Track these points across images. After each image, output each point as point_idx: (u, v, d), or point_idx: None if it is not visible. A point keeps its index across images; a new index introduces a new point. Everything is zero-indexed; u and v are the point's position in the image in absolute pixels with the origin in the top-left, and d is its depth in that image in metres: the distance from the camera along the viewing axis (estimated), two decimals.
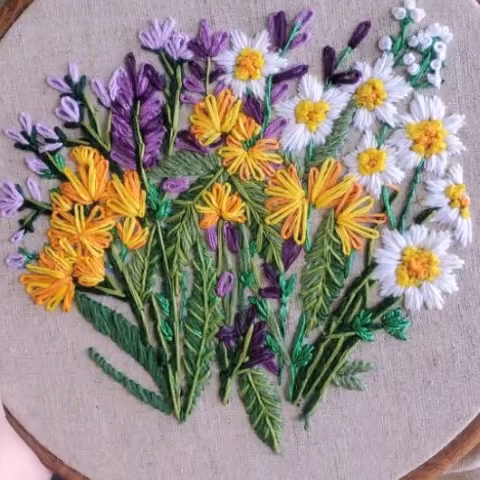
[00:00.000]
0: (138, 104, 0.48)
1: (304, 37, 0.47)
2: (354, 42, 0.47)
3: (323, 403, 0.49)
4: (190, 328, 0.49)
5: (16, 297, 0.49)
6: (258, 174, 0.48)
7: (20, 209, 0.49)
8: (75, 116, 0.48)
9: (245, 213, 0.48)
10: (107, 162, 0.48)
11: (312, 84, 0.47)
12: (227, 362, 0.49)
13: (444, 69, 0.46)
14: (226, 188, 0.48)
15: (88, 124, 0.48)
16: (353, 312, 0.48)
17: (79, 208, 0.48)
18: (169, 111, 0.48)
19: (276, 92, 0.47)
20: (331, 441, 0.49)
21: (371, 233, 0.48)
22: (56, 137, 0.48)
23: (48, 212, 0.49)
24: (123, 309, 0.49)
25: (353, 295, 0.48)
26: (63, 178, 0.48)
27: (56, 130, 0.48)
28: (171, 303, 0.49)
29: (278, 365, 0.49)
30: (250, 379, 0.49)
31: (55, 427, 0.50)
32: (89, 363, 0.50)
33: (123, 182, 0.48)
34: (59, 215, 0.49)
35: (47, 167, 0.48)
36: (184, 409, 0.50)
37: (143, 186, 0.48)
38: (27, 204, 0.49)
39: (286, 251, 0.48)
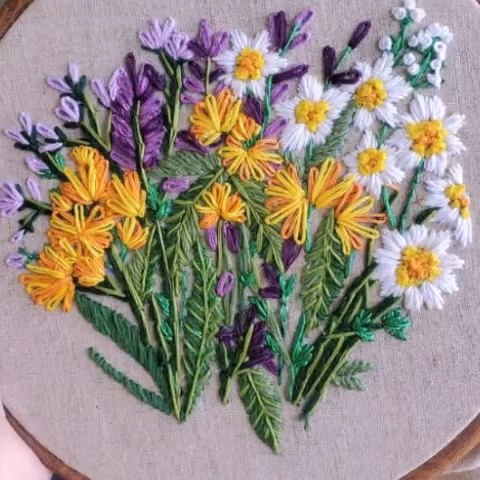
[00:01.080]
0: (138, 104, 0.48)
1: (304, 37, 0.47)
2: (354, 42, 0.47)
3: (323, 403, 0.49)
4: (190, 328, 0.49)
5: (16, 297, 0.49)
6: (258, 174, 0.48)
7: (20, 209, 0.49)
8: (75, 116, 0.48)
9: (245, 213, 0.48)
10: (107, 162, 0.48)
11: (312, 84, 0.47)
12: (227, 362, 0.49)
13: (444, 69, 0.46)
14: (226, 188, 0.48)
15: (88, 124, 0.48)
16: (353, 312, 0.48)
17: (79, 208, 0.48)
18: (169, 111, 0.48)
19: (276, 92, 0.47)
20: (331, 441, 0.49)
21: (371, 233, 0.48)
22: (56, 137, 0.48)
23: (48, 212, 0.49)
24: (123, 309, 0.49)
25: (353, 295, 0.48)
26: (63, 178, 0.48)
27: (56, 130, 0.48)
28: (171, 303, 0.49)
29: (278, 365, 0.49)
30: (250, 379, 0.49)
31: (55, 427, 0.50)
32: (89, 363, 0.50)
33: (123, 182, 0.48)
34: (59, 215, 0.49)
35: (47, 167, 0.48)
36: (184, 409, 0.50)
37: (143, 186, 0.48)
38: (27, 204, 0.49)
39: (286, 251, 0.48)
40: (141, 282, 0.49)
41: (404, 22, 0.46)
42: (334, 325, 0.49)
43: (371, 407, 0.49)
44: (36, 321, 0.49)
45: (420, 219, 0.47)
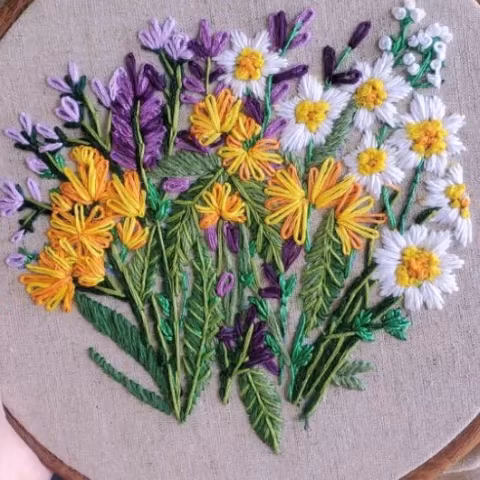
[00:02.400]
0: (138, 104, 0.48)
1: (304, 37, 0.47)
2: (354, 42, 0.47)
3: (323, 403, 0.49)
4: (190, 328, 0.49)
5: (16, 297, 0.49)
6: (258, 174, 0.48)
7: (20, 209, 0.49)
8: (75, 116, 0.48)
9: (245, 213, 0.48)
10: (107, 162, 0.48)
11: (312, 84, 0.47)
12: (227, 362, 0.49)
13: (444, 69, 0.46)
14: (226, 188, 0.48)
15: (88, 124, 0.48)
16: (353, 312, 0.48)
17: (79, 208, 0.48)
18: (169, 111, 0.48)
19: (276, 92, 0.47)
20: (331, 441, 0.49)
21: (371, 233, 0.48)
22: (56, 137, 0.48)
23: (48, 212, 0.49)
24: (123, 309, 0.49)
25: (353, 295, 0.48)
26: (63, 178, 0.48)
27: (56, 130, 0.48)
28: (171, 303, 0.49)
29: (278, 365, 0.49)
30: (250, 379, 0.49)
31: (55, 427, 0.50)
32: (89, 363, 0.50)
33: (123, 182, 0.48)
34: (59, 215, 0.49)
35: (47, 167, 0.48)
36: (184, 409, 0.50)
37: (143, 186, 0.48)
38: (27, 204, 0.49)
39: (286, 251, 0.48)
40: (141, 282, 0.49)
41: (404, 22, 0.46)
42: (334, 325, 0.49)
43: (371, 407, 0.49)
44: (36, 321, 0.49)
45: (420, 219, 0.47)
